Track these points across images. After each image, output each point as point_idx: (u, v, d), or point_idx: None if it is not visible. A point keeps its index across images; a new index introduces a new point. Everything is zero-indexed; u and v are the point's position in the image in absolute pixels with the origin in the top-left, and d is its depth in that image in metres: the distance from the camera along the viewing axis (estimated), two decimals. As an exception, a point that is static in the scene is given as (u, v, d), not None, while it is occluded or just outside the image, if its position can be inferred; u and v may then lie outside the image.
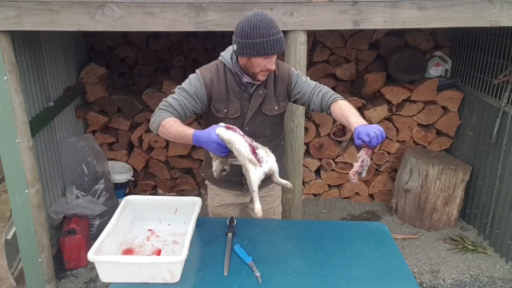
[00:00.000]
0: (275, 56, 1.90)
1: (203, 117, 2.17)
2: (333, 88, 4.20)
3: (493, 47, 3.54)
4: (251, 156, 1.65)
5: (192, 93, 1.96)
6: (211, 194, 2.33)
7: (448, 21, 2.50)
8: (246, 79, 1.96)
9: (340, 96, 1.97)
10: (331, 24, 2.47)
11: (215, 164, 1.86)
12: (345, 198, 4.34)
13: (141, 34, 4.27)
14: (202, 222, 2.04)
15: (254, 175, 1.64)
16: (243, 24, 1.82)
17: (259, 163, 1.67)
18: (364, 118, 3.88)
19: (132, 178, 4.21)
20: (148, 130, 4.17)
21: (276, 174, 1.75)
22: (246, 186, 2.18)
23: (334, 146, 4.08)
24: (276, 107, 2.06)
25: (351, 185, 4.26)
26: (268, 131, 2.11)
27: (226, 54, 2.01)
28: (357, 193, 4.31)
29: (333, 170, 4.18)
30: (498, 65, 3.46)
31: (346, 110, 1.87)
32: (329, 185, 4.29)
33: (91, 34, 4.25)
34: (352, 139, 4.13)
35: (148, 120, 4.12)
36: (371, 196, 4.33)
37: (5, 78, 2.41)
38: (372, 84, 4.00)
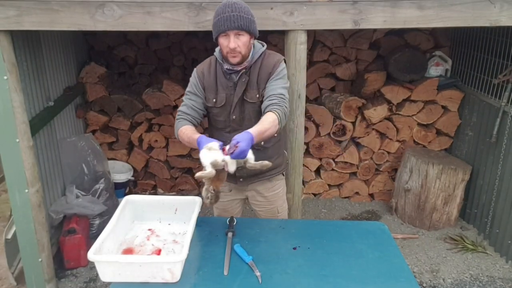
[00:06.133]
0: (237, 37, 1.92)
1: None
2: (333, 88, 4.27)
3: (493, 46, 3.54)
4: (207, 163, 1.75)
5: (193, 91, 2.14)
6: None
7: (448, 21, 2.50)
8: (226, 65, 2.04)
9: (277, 110, 1.92)
10: (331, 23, 2.47)
11: (204, 192, 1.90)
12: (345, 197, 4.34)
13: (141, 33, 4.27)
14: (202, 222, 2.04)
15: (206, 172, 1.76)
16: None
17: (225, 152, 1.76)
18: (364, 117, 3.91)
19: (132, 178, 4.21)
20: (148, 130, 4.18)
21: (250, 160, 1.80)
22: (241, 180, 2.25)
23: (334, 146, 4.08)
24: (257, 95, 2.08)
25: (351, 185, 4.26)
26: (254, 120, 2.09)
27: (217, 48, 2.09)
28: (357, 193, 4.31)
29: (333, 169, 4.18)
30: (498, 64, 3.45)
31: (261, 120, 1.90)
32: (329, 185, 4.29)
33: (91, 34, 4.25)
34: (352, 138, 4.13)
35: (148, 120, 4.15)
36: (371, 195, 4.33)
37: (5, 77, 2.41)
38: (372, 84, 4.00)
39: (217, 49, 2.10)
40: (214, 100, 2.10)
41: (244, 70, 2.04)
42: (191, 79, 2.14)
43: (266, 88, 2.03)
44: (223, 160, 1.74)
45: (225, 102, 2.09)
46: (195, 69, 2.15)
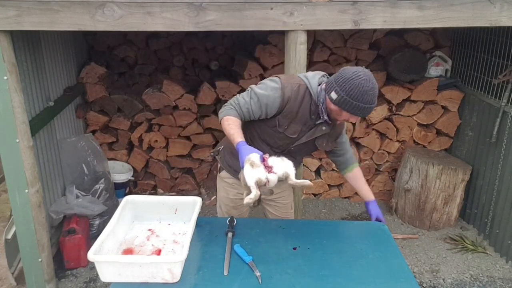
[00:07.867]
0: None
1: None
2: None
3: (493, 47, 3.54)
4: (252, 183, 1.77)
5: (263, 103, 1.99)
6: (225, 186, 2.38)
7: (448, 21, 2.50)
8: (325, 117, 2.02)
9: (356, 161, 2.40)
10: (331, 24, 2.47)
11: (246, 200, 1.88)
12: (345, 197, 4.34)
13: (141, 34, 4.27)
14: (202, 222, 2.04)
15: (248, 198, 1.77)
16: (354, 85, 1.81)
17: (269, 169, 1.81)
18: (364, 118, 3.91)
19: (132, 178, 4.20)
20: (148, 130, 4.18)
21: (292, 176, 1.84)
22: None
23: (334, 146, 4.08)
24: (324, 144, 2.16)
25: (351, 185, 4.24)
26: (304, 155, 2.31)
27: (313, 81, 2.02)
28: (357, 193, 4.30)
29: (333, 170, 4.18)
30: (498, 65, 3.46)
31: (359, 179, 2.44)
32: (329, 185, 4.29)
33: (91, 34, 4.25)
34: (352, 139, 4.13)
35: (148, 120, 4.15)
36: (371, 196, 4.33)
37: (5, 78, 2.41)
38: (372, 84, 3.99)
39: (314, 86, 2.00)
40: (286, 127, 2.05)
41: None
42: (270, 89, 1.99)
43: (340, 146, 2.30)
44: (266, 178, 1.77)
45: (296, 136, 2.08)
46: (281, 85, 1.99)
